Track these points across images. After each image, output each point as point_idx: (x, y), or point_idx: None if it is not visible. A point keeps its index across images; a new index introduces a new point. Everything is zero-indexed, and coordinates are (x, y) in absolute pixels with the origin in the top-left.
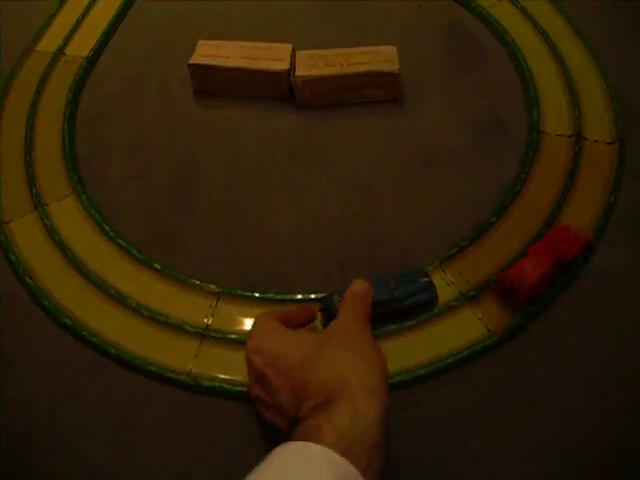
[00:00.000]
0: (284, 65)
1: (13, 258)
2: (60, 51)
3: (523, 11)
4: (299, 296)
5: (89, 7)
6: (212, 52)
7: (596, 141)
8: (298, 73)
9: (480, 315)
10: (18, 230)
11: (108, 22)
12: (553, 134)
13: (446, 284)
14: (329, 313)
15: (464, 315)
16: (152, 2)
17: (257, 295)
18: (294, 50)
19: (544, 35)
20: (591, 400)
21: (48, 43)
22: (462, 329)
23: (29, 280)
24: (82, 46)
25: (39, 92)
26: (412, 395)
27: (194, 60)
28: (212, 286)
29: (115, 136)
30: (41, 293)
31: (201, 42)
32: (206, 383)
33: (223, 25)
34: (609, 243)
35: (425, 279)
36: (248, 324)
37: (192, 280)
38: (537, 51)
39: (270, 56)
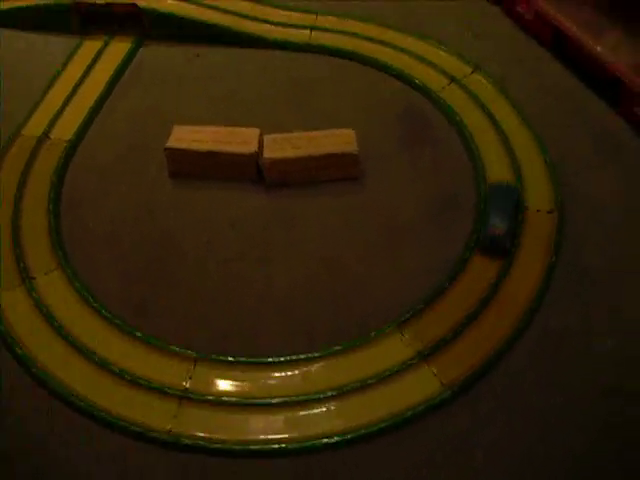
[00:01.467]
0: (252, 148)
1: (2, 329)
2: (45, 135)
3: (470, 94)
4: (270, 359)
5: (73, 93)
6: (186, 136)
7: (538, 210)
8: (266, 155)
9: (435, 371)
10: (7, 303)
11: (90, 107)
12: None
13: (403, 345)
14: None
15: (420, 372)
16: (130, 91)
17: (231, 359)
18: (262, 134)
19: (489, 115)
20: (545, 447)
21: (34, 127)
22: (418, 385)
23: (18, 350)
24: (66, 130)
25: (25, 174)
26: (371, 450)
27: (170, 144)
28: (189, 352)
29: (97, 215)
30: (30, 362)
31: (176, 127)
32: (186, 441)
33: (197, 110)
34: (551, 302)
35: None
36: (224, 386)
37: (171, 346)
38: (483, 130)
39: (239, 140)
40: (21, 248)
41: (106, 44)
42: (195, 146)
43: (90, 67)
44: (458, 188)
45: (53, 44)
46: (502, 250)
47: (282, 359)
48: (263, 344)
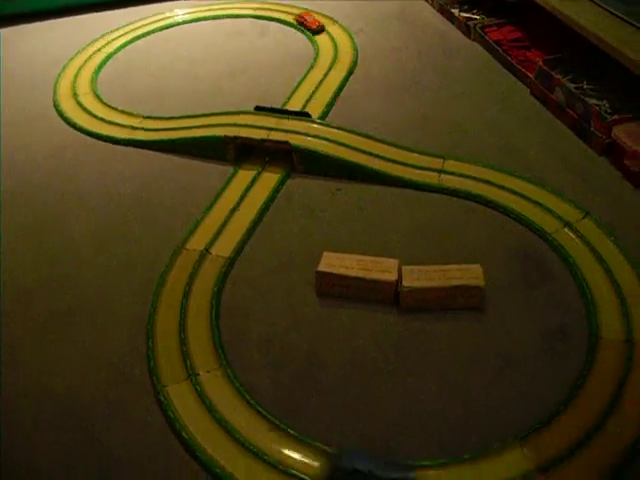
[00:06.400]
0: (393, 277)
1: (171, 416)
2: (207, 250)
3: (581, 237)
4: (408, 462)
5: (230, 215)
6: (335, 262)
7: None
8: (404, 284)
9: None
10: (175, 394)
11: (245, 229)
12: (608, 339)
13: (524, 458)
14: None
15: None
16: (280, 217)
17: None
18: (400, 264)
19: (599, 257)
20: None
21: (197, 243)
22: None
23: (184, 435)
24: (224, 248)
25: (190, 283)
26: None
27: (321, 268)
28: (334, 449)
29: (252, 323)
30: (195, 447)
31: (326, 253)
32: None
33: (339, 238)
34: None
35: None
36: None
37: (316, 443)
38: (593, 270)
39: (381, 268)
40: (187, 347)
41: (258, 174)
42: (343, 271)
43: (245, 194)
44: (570, 322)
45: (212, 171)
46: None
47: (418, 464)
48: (397, 448)
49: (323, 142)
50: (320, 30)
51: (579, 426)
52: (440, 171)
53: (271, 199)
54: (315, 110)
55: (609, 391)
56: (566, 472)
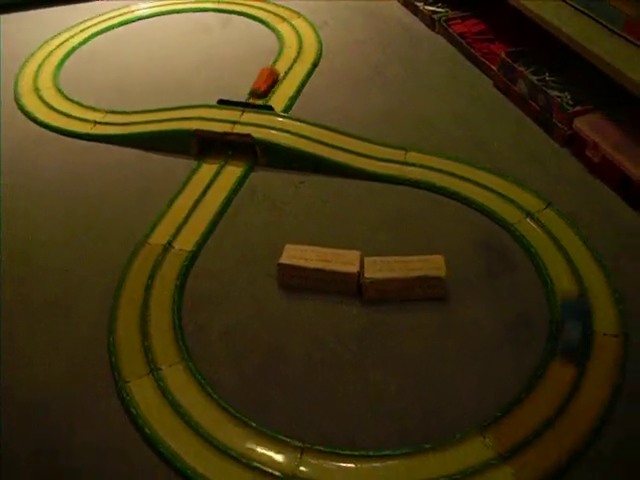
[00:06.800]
0: (355, 268)
1: (134, 412)
2: (169, 244)
3: (542, 227)
4: (370, 453)
5: (192, 209)
6: (297, 254)
7: (604, 334)
8: (366, 275)
9: (513, 471)
10: (137, 389)
11: (208, 223)
12: None
13: (485, 447)
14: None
15: (500, 472)
16: (244, 211)
17: (335, 451)
18: (362, 256)
19: (560, 247)
20: None
21: (159, 237)
22: None
23: (147, 430)
24: (187, 242)
25: (152, 277)
26: None
27: (283, 260)
28: (297, 442)
29: (214, 317)
30: (158, 442)
31: (288, 246)
32: None
33: (302, 231)
34: (614, 421)
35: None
36: (329, 474)
37: (279, 436)
38: (554, 260)
39: (343, 260)
40: (149, 342)
41: (222, 167)
42: (304, 263)
43: (208, 187)
44: (532, 311)
45: (175, 165)
46: (576, 354)
47: (381, 454)
48: (359, 440)
49: (285, 135)
50: (260, 95)
51: (540, 413)
52: (402, 163)
53: (234, 192)
54: (279, 103)
55: (569, 378)
56: (527, 459)
